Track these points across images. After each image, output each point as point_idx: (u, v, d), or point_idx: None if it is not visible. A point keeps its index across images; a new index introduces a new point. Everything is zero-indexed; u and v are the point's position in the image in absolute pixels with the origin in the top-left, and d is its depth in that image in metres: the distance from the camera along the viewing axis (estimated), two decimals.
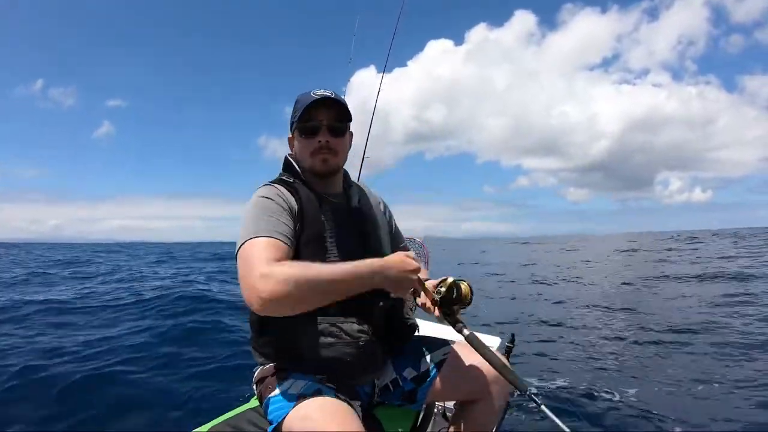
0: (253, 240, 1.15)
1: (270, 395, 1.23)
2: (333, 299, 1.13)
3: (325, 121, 1.36)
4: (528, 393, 1.16)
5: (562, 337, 5.78)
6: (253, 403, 1.41)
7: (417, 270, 1.21)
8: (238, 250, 1.17)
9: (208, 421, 1.32)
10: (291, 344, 1.24)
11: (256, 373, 1.37)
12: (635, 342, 5.46)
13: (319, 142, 1.36)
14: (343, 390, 1.22)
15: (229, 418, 1.33)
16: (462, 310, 1.31)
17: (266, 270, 1.06)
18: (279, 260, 1.12)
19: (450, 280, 1.30)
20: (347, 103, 1.41)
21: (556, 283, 12.07)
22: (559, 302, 8.73)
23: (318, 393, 1.16)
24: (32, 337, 5.17)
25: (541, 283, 12.18)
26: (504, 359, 1.41)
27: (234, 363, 4.29)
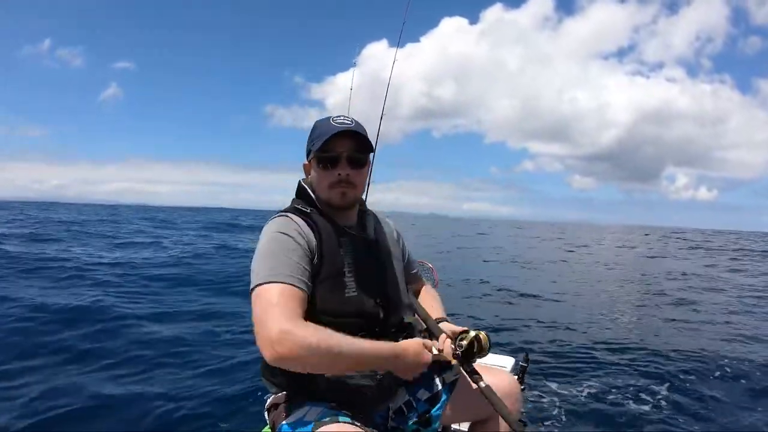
0: (272, 285, 1.13)
1: (283, 422, 1.23)
2: (344, 372, 1.19)
3: (345, 152, 1.31)
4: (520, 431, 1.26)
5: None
6: (267, 430, 1.40)
7: (429, 363, 1.26)
8: (254, 288, 1.15)
9: None
10: (308, 377, 1.21)
11: (268, 400, 1.35)
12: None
13: (339, 174, 1.31)
14: (359, 416, 1.22)
15: None
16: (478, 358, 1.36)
17: (286, 327, 1.05)
18: (299, 314, 1.11)
19: (472, 334, 1.35)
20: (365, 128, 1.39)
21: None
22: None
23: (334, 420, 1.16)
24: None
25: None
26: (515, 405, 1.45)
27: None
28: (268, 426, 1.36)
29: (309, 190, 1.39)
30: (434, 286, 2.48)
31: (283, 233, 1.23)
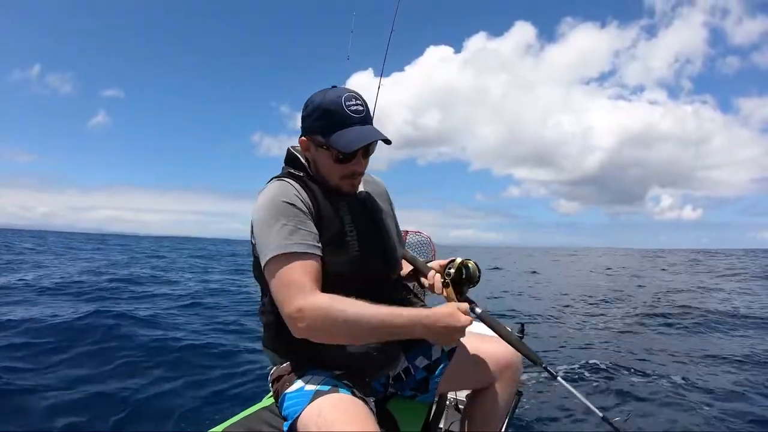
0: (285, 258, 1.14)
1: (286, 391, 1.23)
2: (366, 341, 1.19)
3: (362, 149, 1.28)
4: (544, 366, 1.23)
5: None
6: (266, 402, 1.41)
7: (464, 328, 1.19)
8: (266, 264, 1.17)
9: (222, 422, 1.31)
10: (311, 345, 1.19)
11: (272, 371, 1.35)
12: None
13: (354, 169, 1.30)
14: (359, 385, 1.23)
15: (243, 418, 1.33)
16: (471, 288, 1.35)
17: (303, 304, 1.10)
18: (316, 285, 1.14)
19: (458, 260, 1.34)
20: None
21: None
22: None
23: (334, 389, 1.16)
24: None
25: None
26: (513, 370, 1.44)
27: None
28: (269, 396, 1.36)
29: (301, 158, 1.36)
30: (432, 253, 2.47)
31: (283, 200, 1.20)
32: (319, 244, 1.21)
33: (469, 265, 1.34)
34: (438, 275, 1.37)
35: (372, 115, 1.32)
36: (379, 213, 1.43)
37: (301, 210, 1.21)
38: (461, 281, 1.32)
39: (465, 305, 1.24)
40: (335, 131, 1.24)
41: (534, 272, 18.78)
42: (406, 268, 1.51)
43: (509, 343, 1.27)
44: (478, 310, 1.27)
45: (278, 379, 1.30)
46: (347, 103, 1.25)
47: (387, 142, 1.29)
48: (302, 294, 1.11)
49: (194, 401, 3.49)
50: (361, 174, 1.35)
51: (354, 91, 1.29)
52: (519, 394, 1.64)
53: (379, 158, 1.34)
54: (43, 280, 9.54)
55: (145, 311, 6.51)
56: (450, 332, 1.19)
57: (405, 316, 1.15)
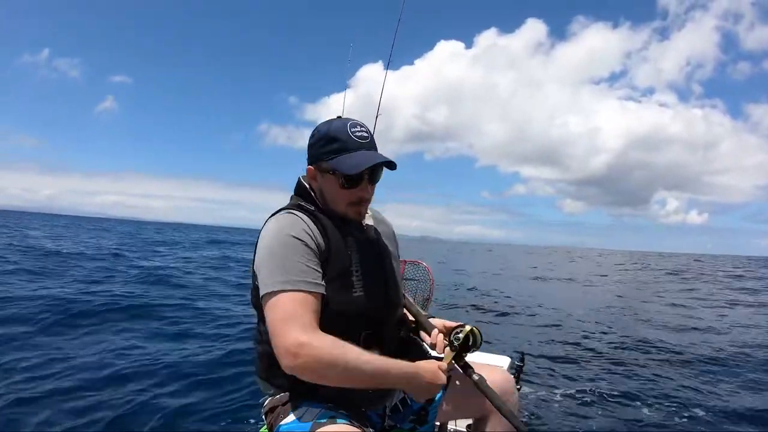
0: (286, 294, 1.13)
1: (280, 424, 1.22)
2: (362, 387, 1.17)
3: (367, 173, 1.30)
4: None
5: None
6: (264, 430, 1.39)
7: (442, 386, 1.25)
8: (265, 296, 1.16)
9: None
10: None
11: (265, 402, 1.34)
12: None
13: (360, 195, 1.31)
14: (356, 417, 1.22)
15: None
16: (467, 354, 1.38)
17: (303, 340, 1.07)
18: (315, 323, 1.13)
19: (468, 328, 1.36)
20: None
21: None
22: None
23: (332, 422, 1.15)
24: None
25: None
26: (510, 401, 1.44)
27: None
28: (265, 426, 1.35)
29: (309, 189, 1.37)
30: (430, 286, 2.46)
31: (293, 236, 1.20)
32: (323, 283, 1.20)
33: (475, 331, 1.37)
34: (441, 336, 1.38)
35: (378, 110, 1.36)
36: (386, 254, 1.43)
37: (309, 247, 1.21)
38: (467, 348, 1.35)
39: (444, 364, 1.28)
40: (341, 155, 1.27)
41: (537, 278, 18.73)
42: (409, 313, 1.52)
43: (500, 411, 1.27)
44: (475, 376, 1.30)
45: (272, 410, 1.29)
46: (352, 130, 1.29)
47: (391, 166, 1.32)
48: (303, 329, 1.09)
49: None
50: (368, 201, 1.36)
51: (359, 121, 1.34)
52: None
53: (387, 151, 1.33)
54: None
55: None
56: (431, 389, 1.24)
57: (396, 371, 1.18)
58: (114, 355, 4.42)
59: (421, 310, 1.52)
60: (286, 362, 1.09)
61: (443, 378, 1.24)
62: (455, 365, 1.33)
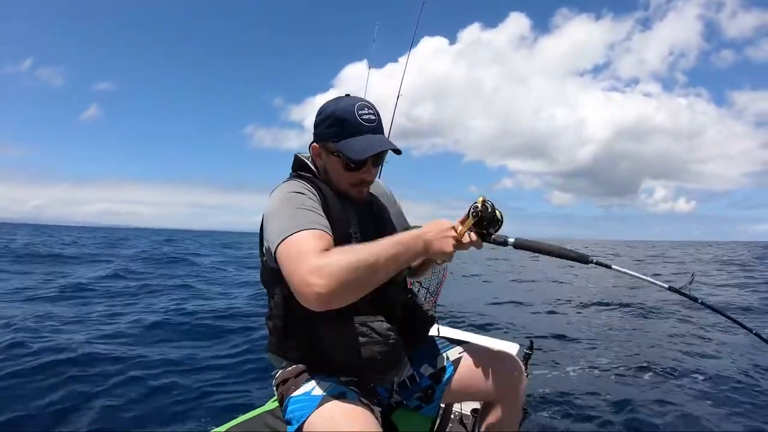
0: (295, 235, 1.10)
1: (291, 395, 1.22)
2: (387, 276, 1.12)
3: (372, 157, 1.30)
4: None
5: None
6: (270, 405, 1.41)
7: (450, 227, 1.19)
8: (277, 247, 1.12)
9: (224, 423, 1.32)
10: (319, 347, 1.22)
11: (276, 375, 1.35)
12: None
13: (363, 178, 1.33)
14: (365, 392, 1.23)
15: (245, 420, 1.33)
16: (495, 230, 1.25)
17: (317, 262, 1.03)
18: (327, 249, 1.08)
19: (480, 199, 1.22)
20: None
21: None
22: None
23: (342, 395, 1.17)
24: None
25: None
26: (507, 355, 1.46)
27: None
28: (275, 398, 1.35)
29: (309, 163, 1.38)
30: (441, 281, 2.43)
31: (296, 192, 1.22)
32: (330, 228, 1.18)
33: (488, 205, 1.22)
34: (458, 221, 1.25)
35: (399, 91, 1.34)
36: (386, 217, 1.45)
37: (313, 200, 1.22)
38: (487, 222, 1.21)
39: (458, 224, 1.21)
40: (347, 138, 1.27)
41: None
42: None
43: (550, 253, 1.24)
44: (511, 240, 1.23)
45: (283, 382, 1.29)
46: (360, 112, 1.28)
47: (397, 152, 1.33)
48: (315, 255, 1.05)
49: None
50: (371, 182, 1.37)
51: (367, 101, 1.32)
52: (525, 411, 1.64)
53: None
54: None
55: None
56: (442, 234, 1.17)
57: (404, 237, 1.15)
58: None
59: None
60: (307, 295, 1.02)
61: (447, 222, 1.20)
62: (479, 242, 1.21)
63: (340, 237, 1.22)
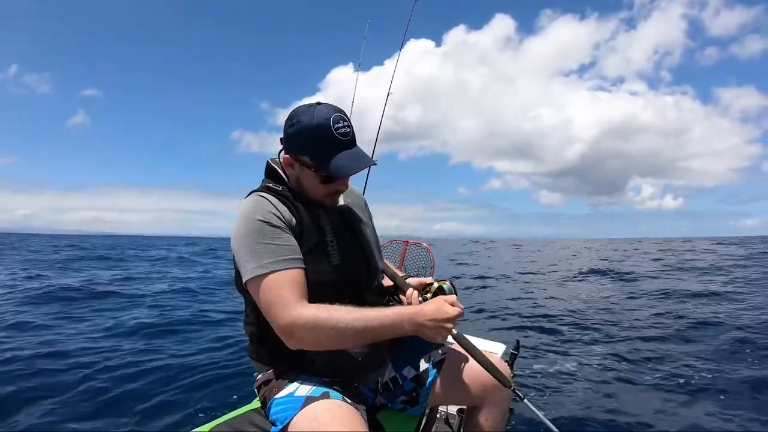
0: (268, 278, 1.15)
1: (275, 397, 1.21)
2: (365, 342, 1.20)
3: None
4: (513, 388, 1.28)
5: None
6: (255, 404, 1.39)
7: (454, 319, 1.21)
8: (248, 282, 1.17)
9: (208, 422, 1.31)
10: (299, 352, 1.20)
11: (258, 377, 1.34)
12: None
13: (338, 189, 1.33)
14: (349, 392, 1.23)
15: (230, 419, 1.32)
16: None
17: (291, 318, 1.12)
18: (301, 296, 1.16)
19: (435, 285, 1.37)
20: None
21: None
22: None
23: (326, 395, 1.16)
24: None
25: None
26: (494, 359, 1.44)
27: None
28: (257, 399, 1.35)
29: (279, 170, 1.36)
30: (431, 266, 2.51)
31: (258, 219, 1.20)
32: (300, 256, 1.21)
33: (445, 287, 1.37)
34: (416, 293, 1.38)
35: (389, 89, 1.32)
36: (359, 223, 1.44)
37: (277, 226, 1.21)
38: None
39: (453, 297, 1.27)
40: (324, 154, 1.25)
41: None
42: (387, 282, 1.52)
43: (481, 364, 1.28)
44: (454, 330, 1.26)
45: (265, 383, 1.29)
46: (335, 126, 1.24)
47: (373, 164, 1.34)
48: (287, 309, 1.13)
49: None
50: (344, 191, 1.37)
51: (340, 111, 1.28)
52: (510, 411, 1.63)
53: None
54: None
55: None
56: (438, 324, 1.19)
57: (391, 314, 1.18)
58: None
59: (398, 272, 1.52)
60: (287, 343, 1.15)
61: (452, 310, 1.21)
62: (453, 342, 1.31)
63: (316, 246, 1.25)
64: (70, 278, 10.98)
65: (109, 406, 3.37)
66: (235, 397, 3.54)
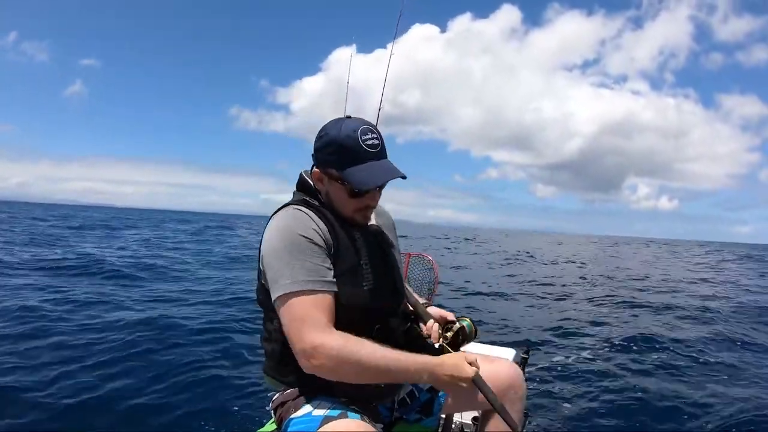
0: (297, 298, 1.13)
1: (292, 416, 1.21)
2: (372, 382, 1.19)
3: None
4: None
5: None
6: (269, 427, 1.38)
7: (470, 379, 1.21)
8: (277, 298, 1.15)
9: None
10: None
11: (274, 397, 1.32)
12: None
13: (368, 203, 1.30)
14: (366, 412, 1.22)
15: None
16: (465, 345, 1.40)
17: (318, 342, 1.09)
18: (329, 323, 1.13)
19: (457, 325, 1.40)
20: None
21: None
22: None
23: (344, 415, 1.15)
24: None
25: None
26: (506, 364, 1.48)
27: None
28: (273, 421, 1.33)
29: (311, 182, 1.34)
30: (435, 279, 2.50)
31: (300, 234, 1.18)
32: (334, 280, 1.19)
33: (465, 327, 1.40)
34: (436, 326, 1.39)
35: (384, 85, 1.31)
36: (389, 247, 1.41)
37: (318, 244, 1.19)
38: (456, 343, 1.38)
39: (473, 356, 1.26)
40: (351, 166, 1.23)
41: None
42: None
43: (493, 406, 1.25)
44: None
45: (282, 404, 1.28)
46: (363, 137, 1.23)
47: (403, 177, 1.29)
48: (317, 331, 1.11)
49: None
50: (375, 207, 1.35)
51: (369, 123, 1.28)
52: (526, 415, 1.64)
53: None
54: None
55: None
56: (454, 381, 1.20)
57: (413, 363, 1.17)
58: None
59: (419, 300, 1.53)
60: (304, 365, 1.12)
61: (468, 370, 1.21)
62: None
63: (351, 268, 1.23)
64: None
65: (101, 401, 3.24)
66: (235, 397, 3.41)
